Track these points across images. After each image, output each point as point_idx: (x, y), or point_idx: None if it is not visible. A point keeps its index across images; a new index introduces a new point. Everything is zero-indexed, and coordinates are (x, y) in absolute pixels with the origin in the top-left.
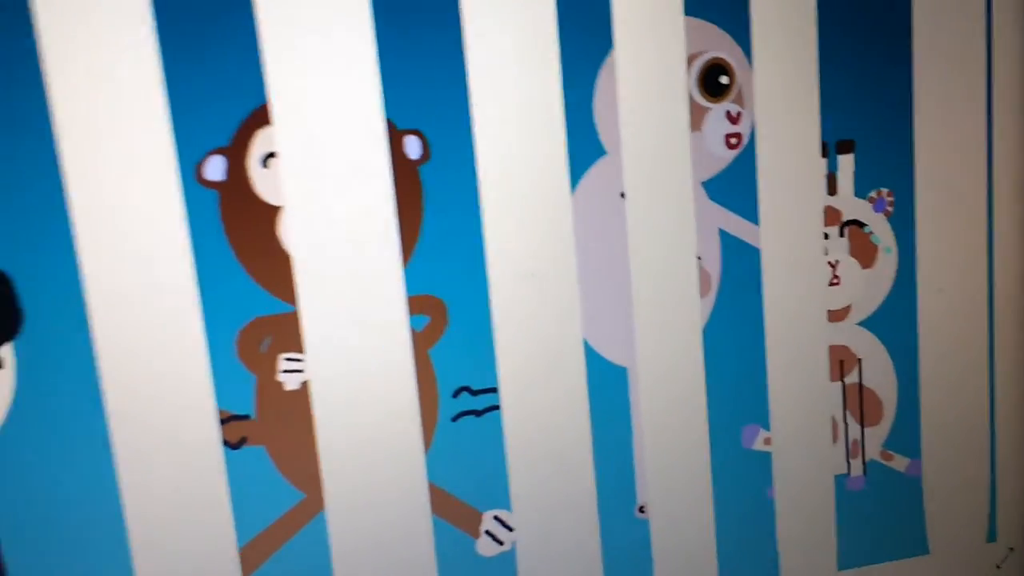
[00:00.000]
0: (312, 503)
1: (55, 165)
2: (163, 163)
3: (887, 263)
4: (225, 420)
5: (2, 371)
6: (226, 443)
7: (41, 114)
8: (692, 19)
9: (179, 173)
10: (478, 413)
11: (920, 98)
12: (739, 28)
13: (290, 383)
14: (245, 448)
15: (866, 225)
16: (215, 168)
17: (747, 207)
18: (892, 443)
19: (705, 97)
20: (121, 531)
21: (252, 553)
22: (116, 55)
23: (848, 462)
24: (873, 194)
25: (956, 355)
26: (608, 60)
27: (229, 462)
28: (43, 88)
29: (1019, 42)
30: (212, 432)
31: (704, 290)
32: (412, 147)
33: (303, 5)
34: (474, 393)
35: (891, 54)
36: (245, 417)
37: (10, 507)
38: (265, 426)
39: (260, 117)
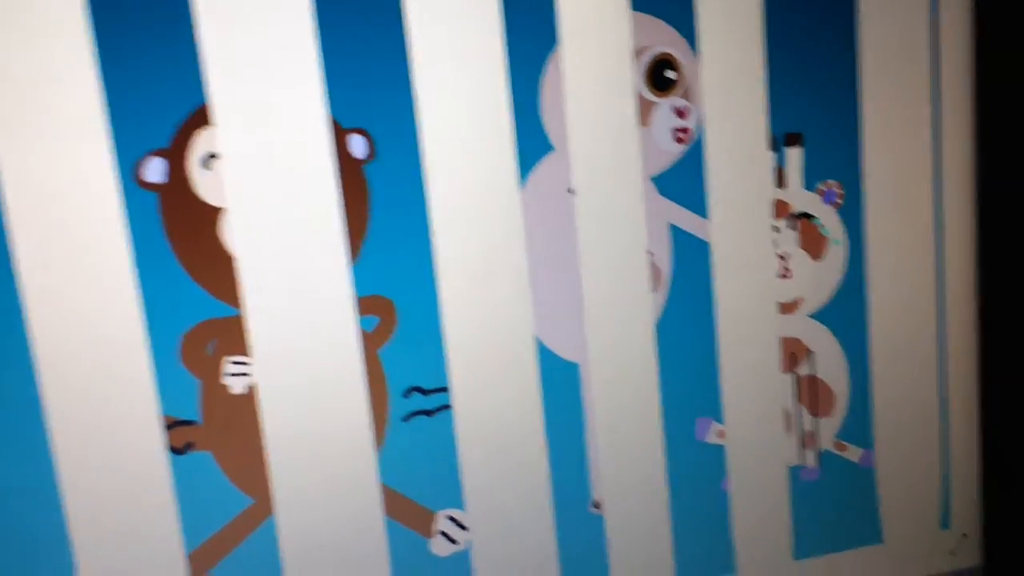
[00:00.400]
0: (261, 508)
1: None
2: (101, 165)
3: (837, 255)
4: (170, 426)
5: None
6: (172, 449)
7: None
8: (638, 14)
9: (118, 175)
10: (429, 413)
11: (867, 90)
12: (685, 22)
13: (236, 387)
14: (191, 454)
15: (815, 217)
16: (155, 170)
17: (696, 201)
18: (845, 434)
19: (652, 92)
20: (64, 540)
21: (200, 559)
22: (52, 56)
23: (802, 453)
24: (822, 186)
25: (907, 345)
26: (553, 55)
27: (175, 468)
28: None
29: (964, 34)
30: (157, 438)
31: (655, 285)
32: (357, 146)
33: (242, 2)
34: (425, 393)
35: (837, 47)
36: (191, 422)
37: None
38: (211, 431)
39: (200, 118)
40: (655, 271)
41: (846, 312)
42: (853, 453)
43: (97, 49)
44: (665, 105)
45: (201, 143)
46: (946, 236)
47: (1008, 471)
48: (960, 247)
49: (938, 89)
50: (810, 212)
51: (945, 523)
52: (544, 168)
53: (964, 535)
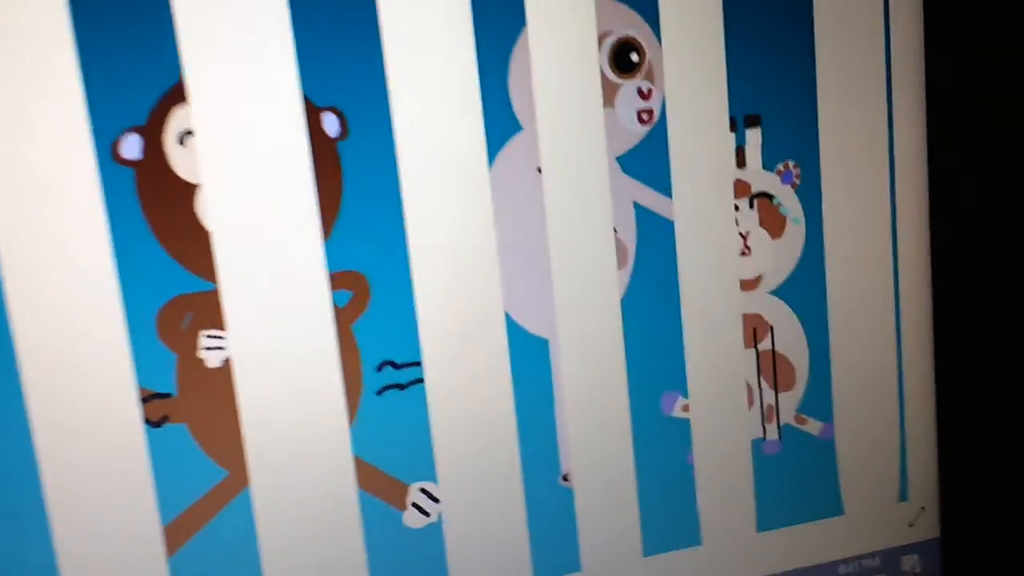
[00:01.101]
0: (236, 480)
1: None
2: (78, 142)
3: (795, 233)
4: (146, 399)
5: None
6: (147, 421)
7: None
8: None
9: (95, 152)
10: (402, 386)
11: (823, 73)
12: (647, 7)
13: (212, 360)
14: (167, 426)
15: (774, 197)
16: (131, 146)
17: (660, 181)
18: (805, 407)
19: (616, 74)
20: (42, 512)
21: (176, 531)
22: (29, 33)
23: (764, 427)
24: (780, 167)
25: (864, 321)
26: (521, 38)
27: (151, 441)
28: None
29: (915, 19)
30: (133, 411)
31: (621, 262)
32: (330, 124)
33: None
34: (397, 367)
35: (794, 31)
36: (166, 395)
37: None
38: (187, 404)
39: (176, 95)
40: (621, 248)
41: (805, 289)
42: (813, 427)
43: (74, 27)
44: (629, 87)
45: (177, 120)
46: (900, 214)
47: (964, 445)
48: (914, 225)
49: (890, 72)
50: (769, 192)
51: (904, 496)
52: (513, 147)
53: (922, 508)
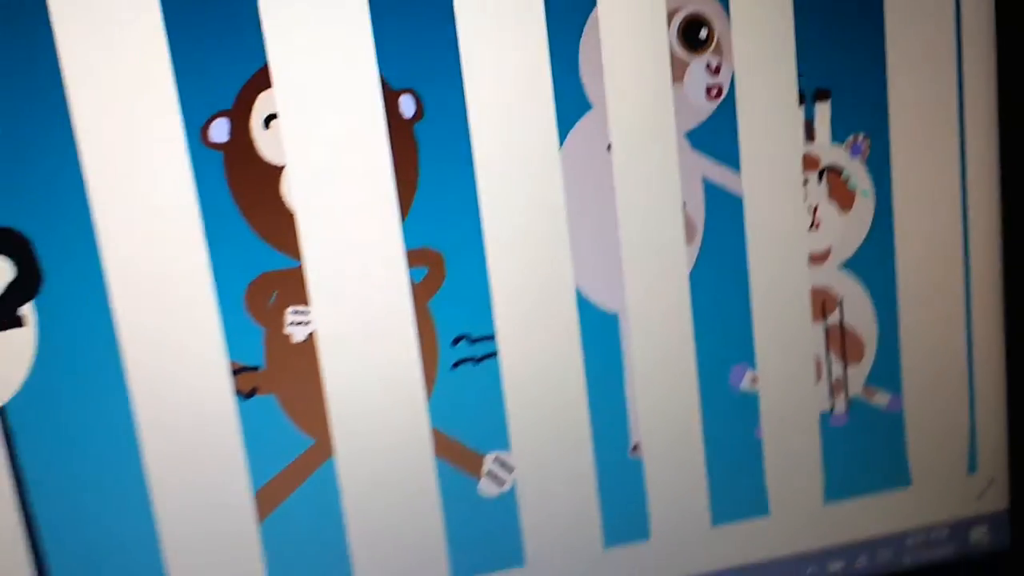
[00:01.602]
0: (322, 449)
1: (68, 130)
2: (170, 126)
3: (865, 206)
4: (236, 371)
5: (25, 328)
6: (238, 393)
7: (53, 80)
8: None
9: (185, 135)
10: (476, 360)
11: (892, 46)
12: None
13: (297, 335)
14: (256, 398)
15: (844, 170)
16: (219, 130)
17: (729, 156)
18: (874, 380)
19: (686, 50)
20: (141, 479)
21: (267, 497)
22: (123, 22)
23: (832, 399)
24: (849, 139)
25: (933, 293)
26: (592, 17)
27: (241, 411)
28: (55, 56)
29: None
30: (224, 383)
31: (690, 237)
32: (407, 105)
33: None
34: (472, 341)
35: (863, 3)
36: (255, 368)
37: (35, 459)
38: (275, 376)
39: (261, 80)
40: (689, 223)
41: (874, 261)
42: (882, 399)
43: (165, 18)
44: (698, 63)
45: (262, 104)
46: (970, 185)
47: None
48: (984, 196)
49: (960, 43)
50: (838, 165)
51: (972, 468)
52: (583, 125)
53: (991, 480)
